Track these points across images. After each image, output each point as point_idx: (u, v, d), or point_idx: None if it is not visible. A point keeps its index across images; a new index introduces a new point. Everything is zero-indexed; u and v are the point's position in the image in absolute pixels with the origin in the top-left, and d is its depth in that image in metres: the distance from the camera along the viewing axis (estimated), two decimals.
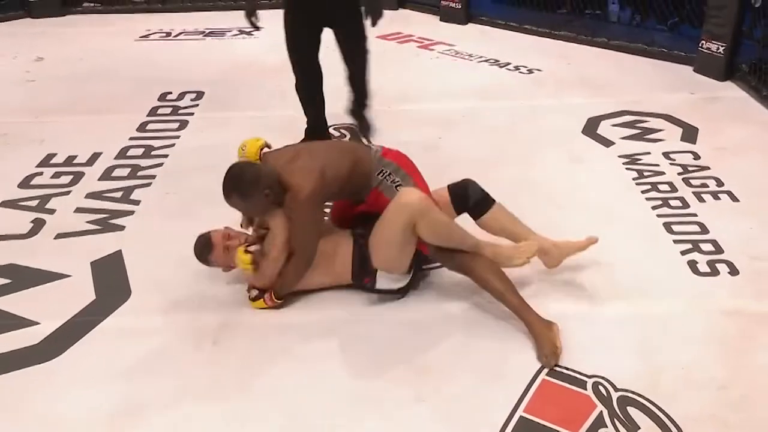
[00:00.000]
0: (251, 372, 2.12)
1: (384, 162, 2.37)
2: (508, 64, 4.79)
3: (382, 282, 2.33)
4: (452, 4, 5.72)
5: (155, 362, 2.15)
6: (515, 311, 2.24)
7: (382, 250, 2.27)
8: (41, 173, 3.30)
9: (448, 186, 2.49)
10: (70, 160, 3.43)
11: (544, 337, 2.15)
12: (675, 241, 2.70)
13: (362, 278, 2.35)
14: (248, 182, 2.20)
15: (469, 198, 2.45)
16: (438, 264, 2.46)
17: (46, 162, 3.41)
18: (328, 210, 2.56)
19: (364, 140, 3.38)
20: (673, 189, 3.07)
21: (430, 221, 2.21)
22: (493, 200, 2.47)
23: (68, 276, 2.54)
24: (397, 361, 2.15)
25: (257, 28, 3.20)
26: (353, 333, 2.26)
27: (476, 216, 2.46)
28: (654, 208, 2.93)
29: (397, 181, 2.35)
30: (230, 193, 2.23)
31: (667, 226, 2.80)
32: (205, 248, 2.37)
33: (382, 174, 2.35)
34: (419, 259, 2.36)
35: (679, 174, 3.20)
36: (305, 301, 2.39)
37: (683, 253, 2.63)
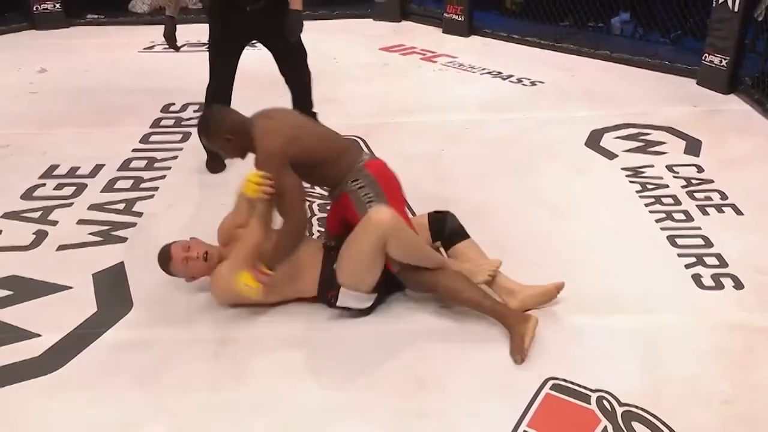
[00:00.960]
0: (252, 386, 2.11)
1: (363, 173, 2.35)
2: (511, 76, 4.81)
3: (345, 299, 2.32)
4: (455, 17, 5.76)
5: (156, 375, 2.15)
6: (491, 313, 2.27)
7: (349, 266, 2.27)
8: (44, 185, 3.32)
9: (429, 213, 2.53)
10: (72, 172, 3.44)
11: (515, 331, 2.19)
12: (679, 255, 2.70)
13: (327, 292, 2.34)
14: (213, 125, 2.38)
15: (446, 228, 2.48)
16: None
17: (48, 173, 3.43)
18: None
19: None
20: (677, 202, 3.08)
21: (400, 240, 2.22)
22: (468, 235, 2.49)
23: (70, 288, 2.54)
24: (396, 375, 2.14)
25: (177, 49, 3.27)
26: (354, 346, 2.26)
27: (447, 246, 2.48)
28: (658, 221, 2.93)
29: (370, 196, 2.31)
30: (199, 133, 2.43)
31: (671, 239, 2.80)
32: (164, 260, 2.40)
33: (355, 183, 2.33)
34: (387, 283, 2.34)
35: (683, 187, 3.20)
36: (307, 314, 2.39)
37: (687, 266, 2.63)
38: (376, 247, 2.21)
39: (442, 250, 2.49)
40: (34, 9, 6.09)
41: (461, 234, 2.49)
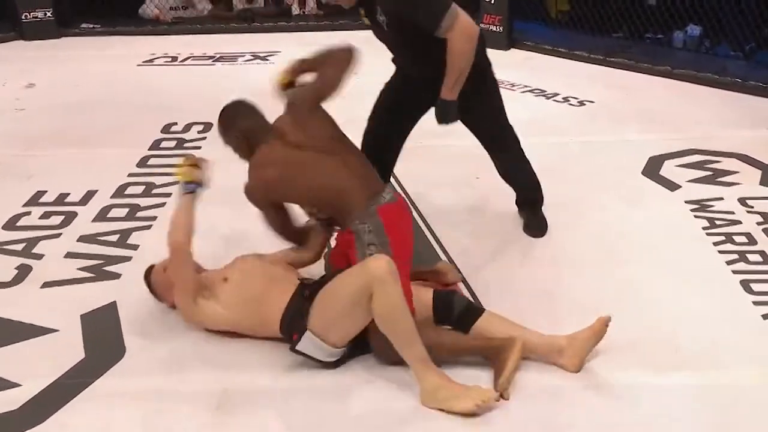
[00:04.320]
0: None
1: (373, 217, 2.37)
2: (557, 94, 4.84)
3: (307, 344, 2.28)
4: (492, 27, 5.83)
5: (151, 431, 2.16)
6: (472, 352, 2.32)
7: (323, 307, 2.27)
8: (29, 213, 3.39)
9: (434, 291, 2.49)
10: (61, 199, 3.52)
11: (498, 359, 2.24)
12: (755, 303, 2.66)
13: (291, 332, 2.33)
14: (226, 119, 2.60)
15: (453, 309, 2.42)
16: None
17: (34, 200, 3.51)
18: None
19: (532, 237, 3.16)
20: (752, 241, 3.04)
21: (388, 296, 2.16)
22: (483, 309, 2.45)
23: (55, 330, 2.57)
24: None
25: None
26: (372, 398, 2.25)
27: (464, 329, 2.41)
28: (729, 263, 2.90)
29: (373, 243, 2.33)
30: (219, 122, 2.62)
31: (745, 284, 2.76)
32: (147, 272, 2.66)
33: (362, 224, 2.35)
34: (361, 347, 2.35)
35: (759, 224, 3.17)
36: (314, 363, 2.39)
37: (765, 316, 2.58)
38: (358, 294, 2.18)
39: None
40: (23, 17, 6.29)
41: (474, 311, 2.43)
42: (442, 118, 2.70)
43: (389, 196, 2.46)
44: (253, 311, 2.40)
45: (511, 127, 2.97)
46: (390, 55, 2.84)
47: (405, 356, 2.20)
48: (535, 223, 3.17)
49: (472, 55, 2.55)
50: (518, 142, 3.04)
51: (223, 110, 2.64)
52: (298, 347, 2.29)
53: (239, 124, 2.56)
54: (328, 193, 2.46)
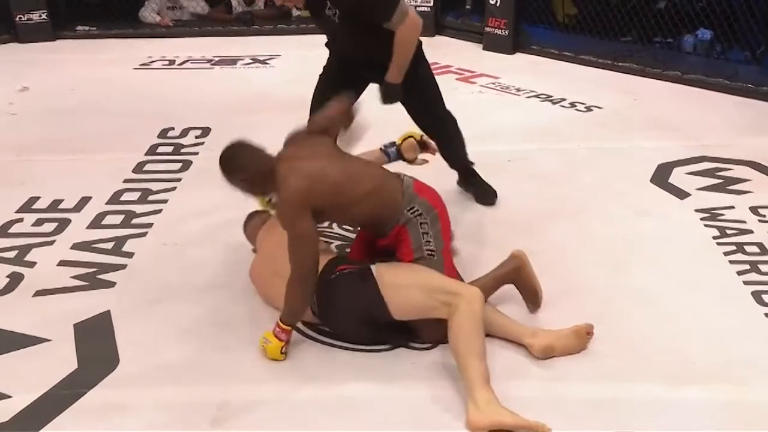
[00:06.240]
0: None
1: (417, 200, 2.53)
2: (563, 100, 4.84)
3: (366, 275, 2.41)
4: (498, 31, 5.85)
5: None
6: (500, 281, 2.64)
7: (399, 268, 2.43)
8: (21, 220, 3.39)
9: None
10: (54, 205, 3.52)
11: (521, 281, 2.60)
12: (767, 315, 2.65)
13: (338, 265, 2.47)
14: (228, 166, 2.52)
15: None
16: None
17: (27, 207, 3.51)
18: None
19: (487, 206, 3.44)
20: (764, 251, 3.04)
21: (473, 314, 2.28)
22: None
23: (47, 340, 2.57)
24: None
25: None
26: (382, 414, 2.23)
27: None
28: (740, 273, 2.90)
29: (425, 222, 2.50)
30: (221, 170, 2.54)
31: (757, 296, 2.75)
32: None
33: (412, 211, 2.50)
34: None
35: None
36: (325, 373, 2.39)
37: None
38: (437, 290, 2.34)
39: None
40: (18, 19, 6.32)
41: None
42: (386, 99, 3.06)
43: (411, 179, 2.59)
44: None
45: (445, 108, 3.28)
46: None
47: (470, 369, 2.22)
48: (483, 191, 3.47)
49: (416, 43, 2.95)
50: (454, 120, 3.32)
51: (221, 158, 2.54)
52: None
53: (247, 155, 2.52)
54: (372, 189, 2.49)
